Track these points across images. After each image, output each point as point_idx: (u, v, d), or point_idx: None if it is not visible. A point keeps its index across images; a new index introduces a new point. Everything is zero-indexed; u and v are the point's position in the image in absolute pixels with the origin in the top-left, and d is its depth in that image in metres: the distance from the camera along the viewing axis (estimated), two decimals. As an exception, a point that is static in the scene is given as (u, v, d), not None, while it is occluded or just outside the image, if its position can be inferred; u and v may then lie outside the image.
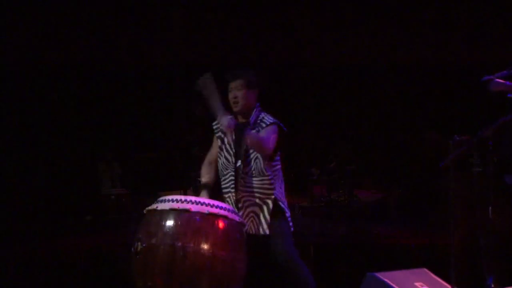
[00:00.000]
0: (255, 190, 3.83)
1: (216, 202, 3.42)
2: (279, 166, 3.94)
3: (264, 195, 3.84)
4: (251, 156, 3.84)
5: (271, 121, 3.90)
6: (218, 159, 3.98)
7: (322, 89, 5.81)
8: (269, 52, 5.86)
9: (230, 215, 3.42)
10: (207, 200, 3.42)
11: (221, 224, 3.33)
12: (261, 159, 3.84)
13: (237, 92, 3.93)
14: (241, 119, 3.99)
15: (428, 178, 5.31)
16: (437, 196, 5.04)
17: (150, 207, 3.43)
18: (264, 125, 3.89)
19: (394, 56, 5.69)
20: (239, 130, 3.87)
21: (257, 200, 3.83)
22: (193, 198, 3.39)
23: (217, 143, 4.02)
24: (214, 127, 4.03)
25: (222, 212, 3.39)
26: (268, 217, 3.80)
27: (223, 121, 3.71)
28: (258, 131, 3.88)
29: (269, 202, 3.84)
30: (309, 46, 5.85)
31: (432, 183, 5.19)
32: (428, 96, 5.59)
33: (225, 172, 3.94)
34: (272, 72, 5.41)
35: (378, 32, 5.71)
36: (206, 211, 3.33)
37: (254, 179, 3.82)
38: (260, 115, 3.95)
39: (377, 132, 5.75)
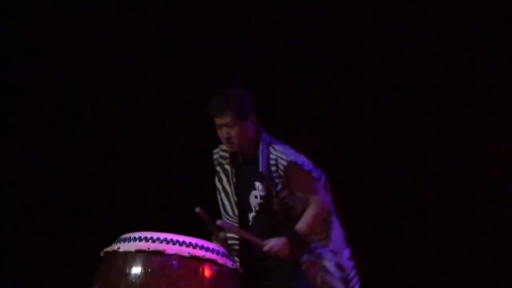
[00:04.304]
0: None
1: (200, 241, 2.86)
2: None
3: None
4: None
5: (286, 161, 3.21)
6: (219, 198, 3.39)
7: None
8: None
9: (220, 260, 2.86)
10: (187, 239, 2.84)
11: (207, 272, 2.83)
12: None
13: (229, 130, 3.19)
14: (242, 156, 3.32)
15: (491, 205, 4.83)
16: (503, 229, 4.64)
17: (109, 248, 2.89)
18: (280, 171, 3.21)
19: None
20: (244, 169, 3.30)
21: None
22: (169, 236, 2.84)
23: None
24: (214, 156, 3.39)
25: (208, 255, 2.84)
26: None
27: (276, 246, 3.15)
28: (277, 172, 3.22)
29: None
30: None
31: (496, 212, 4.75)
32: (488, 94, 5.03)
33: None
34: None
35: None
36: (186, 254, 2.80)
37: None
38: (270, 152, 3.25)
39: (424, 143, 5.22)
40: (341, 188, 5.35)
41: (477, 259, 5.07)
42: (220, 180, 3.33)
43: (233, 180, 3.28)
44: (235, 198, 3.28)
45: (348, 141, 5.29)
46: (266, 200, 3.21)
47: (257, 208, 3.24)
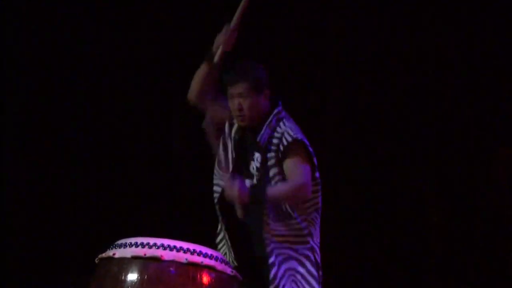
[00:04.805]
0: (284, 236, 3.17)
1: (198, 247, 2.82)
2: (315, 205, 3.20)
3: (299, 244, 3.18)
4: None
5: (292, 137, 3.13)
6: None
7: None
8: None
9: (219, 266, 2.82)
10: (185, 244, 2.79)
11: (205, 279, 2.79)
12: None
13: (241, 100, 3.16)
14: (249, 133, 3.26)
15: (499, 213, 4.81)
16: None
17: (104, 255, 2.84)
18: (282, 147, 3.12)
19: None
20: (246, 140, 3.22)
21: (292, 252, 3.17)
22: (166, 242, 2.80)
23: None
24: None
25: (207, 261, 2.80)
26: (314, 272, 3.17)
27: (232, 188, 3.03)
28: (276, 146, 3.13)
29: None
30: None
31: (504, 220, 4.75)
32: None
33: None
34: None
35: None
36: (184, 260, 2.75)
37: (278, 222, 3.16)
38: (278, 125, 3.17)
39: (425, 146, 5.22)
40: (343, 189, 5.37)
41: (480, 260, 5.04)
42: (223, 137, 3.27)
43: (234, 136, 3.22)
44: (233, 154, 3.21)
45: (350, 142, 5.30)
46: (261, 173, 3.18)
47: (258, 177, 3.17)
